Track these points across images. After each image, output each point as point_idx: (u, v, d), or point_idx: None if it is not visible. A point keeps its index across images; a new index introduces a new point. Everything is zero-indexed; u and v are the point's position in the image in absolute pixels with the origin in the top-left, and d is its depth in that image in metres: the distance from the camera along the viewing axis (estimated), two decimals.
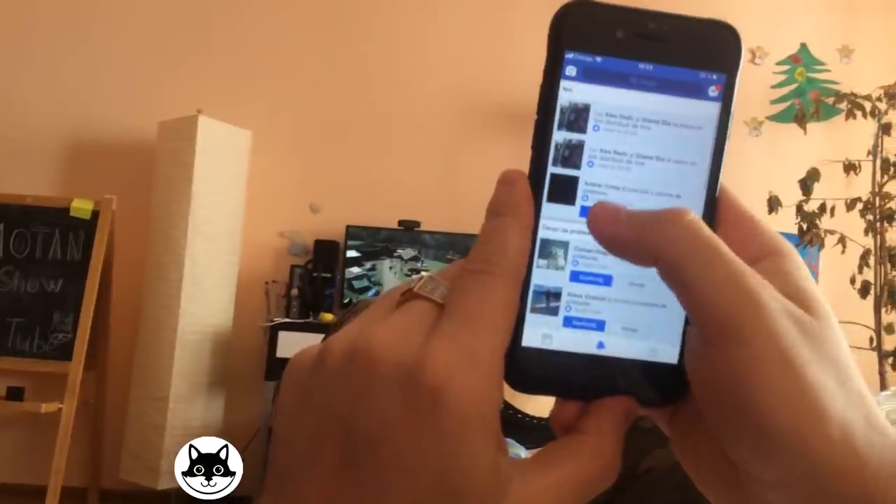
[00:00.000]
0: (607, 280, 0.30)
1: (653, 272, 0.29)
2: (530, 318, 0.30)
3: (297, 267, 3.41)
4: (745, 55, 0.30)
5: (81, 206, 3.16)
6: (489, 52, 3.70)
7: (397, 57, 3.70)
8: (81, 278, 3.08)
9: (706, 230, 0.27)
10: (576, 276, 0.30)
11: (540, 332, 0.30)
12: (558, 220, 0.30)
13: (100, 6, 3.61)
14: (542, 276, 0.30)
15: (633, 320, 0.30)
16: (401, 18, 3.73)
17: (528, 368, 0.30)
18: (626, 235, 0.28)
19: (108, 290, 3.22)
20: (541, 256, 0.30)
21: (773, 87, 3.75)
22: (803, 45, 3.76)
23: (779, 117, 3.72)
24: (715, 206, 0.30)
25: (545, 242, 0.30)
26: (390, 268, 3.48)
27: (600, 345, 0.30)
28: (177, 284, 3.13)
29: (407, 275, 3.48)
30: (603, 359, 0.30)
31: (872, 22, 3.78)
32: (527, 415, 2.66)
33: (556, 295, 0.30)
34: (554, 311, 0.30)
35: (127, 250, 3.32)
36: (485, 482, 0.25)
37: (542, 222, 0.30)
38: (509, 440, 1.47)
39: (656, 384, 0.30)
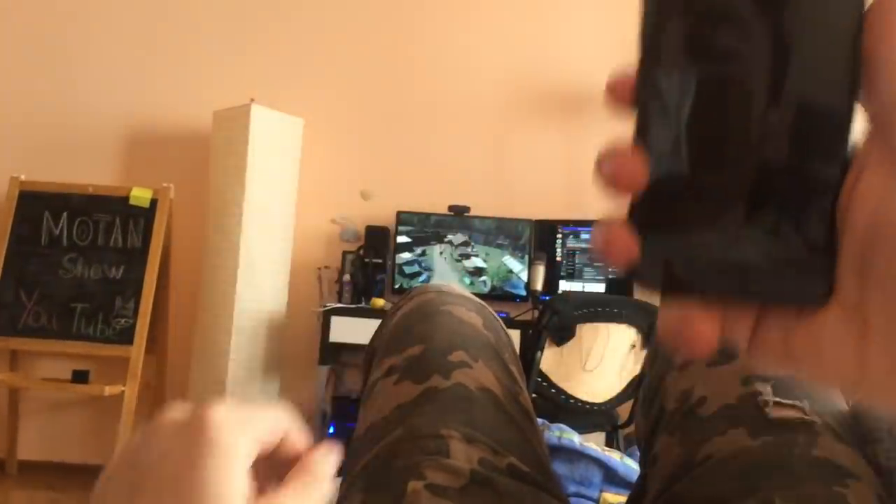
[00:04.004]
0: None
1: None
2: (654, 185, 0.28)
3: (348, 253, 3.45)
4: None
5: (140, 195, 3.25)
6: (540, 35, 3.67)
7: (447, 42, 3.69)
8: (142, 265, 3.17)
9: None
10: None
11: (667, 206, 0.29)
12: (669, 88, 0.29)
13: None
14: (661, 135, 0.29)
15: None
16: (452, 2, 3.72)
17: (666, 269, 0.28)
18: None
19: (167, 276, 3.30)
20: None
21: None
22: None
23: None
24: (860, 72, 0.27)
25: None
26: (440, 253, 3.49)
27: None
28: (232, 271, 3.19)
29: (458, 260, 3.49)
30: (746, 250, 0.28)
31: None
32: (579, 399, 2.66)
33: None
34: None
35: (185, 238, 3.40)
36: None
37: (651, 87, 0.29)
38: (562, 425, 1.47)
39: (804, 281, 0.28)
